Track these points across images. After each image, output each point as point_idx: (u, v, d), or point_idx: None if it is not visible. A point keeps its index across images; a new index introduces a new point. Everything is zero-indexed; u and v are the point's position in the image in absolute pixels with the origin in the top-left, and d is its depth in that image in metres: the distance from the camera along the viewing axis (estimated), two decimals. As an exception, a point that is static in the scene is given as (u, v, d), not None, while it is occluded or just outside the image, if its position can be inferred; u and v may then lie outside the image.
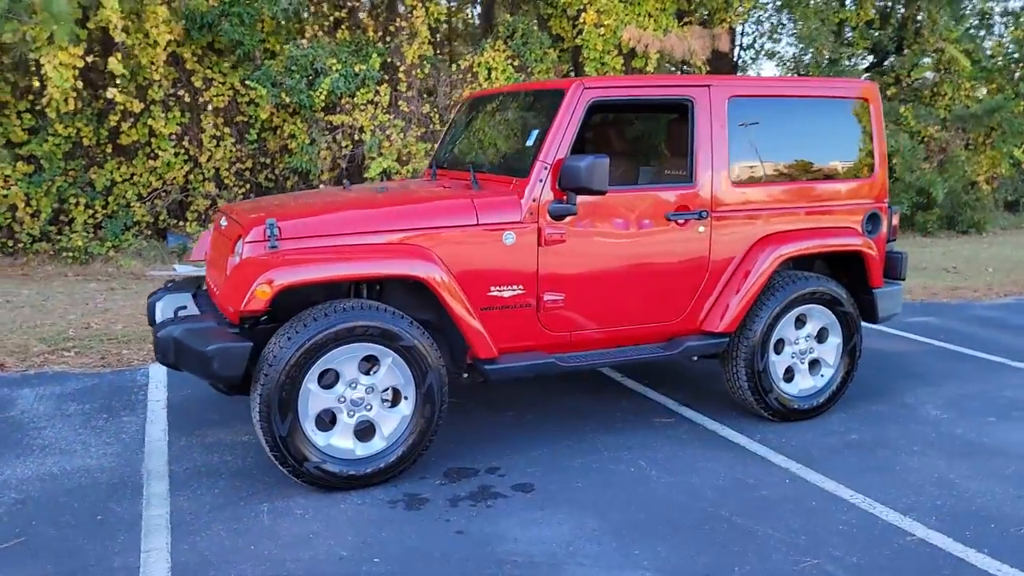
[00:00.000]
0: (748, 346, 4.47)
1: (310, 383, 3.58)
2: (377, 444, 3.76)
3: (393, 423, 3.77)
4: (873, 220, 4.81)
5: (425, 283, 3.75)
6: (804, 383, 4.71)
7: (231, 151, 10.21)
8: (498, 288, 3.98)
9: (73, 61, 8.80)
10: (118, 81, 9.54)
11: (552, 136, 4.06)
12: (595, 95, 4.14)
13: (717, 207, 4.37)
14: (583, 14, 10.92)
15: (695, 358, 4.63)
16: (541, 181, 4.02)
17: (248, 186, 10.45)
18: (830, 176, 4.71)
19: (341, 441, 3.70)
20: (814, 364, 4.75)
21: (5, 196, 9.54)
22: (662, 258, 4.29)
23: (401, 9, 10.71)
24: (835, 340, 4.72)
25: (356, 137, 10.15)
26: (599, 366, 4.27)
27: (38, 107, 9.46)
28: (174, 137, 9.96)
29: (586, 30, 10.91)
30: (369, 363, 3.73)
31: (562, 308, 4.11)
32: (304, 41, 10.16)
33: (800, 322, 4.66)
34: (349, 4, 10.56)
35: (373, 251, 3.73)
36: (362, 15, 10.77)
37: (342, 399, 3.68)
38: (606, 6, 10.83)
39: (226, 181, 10.25)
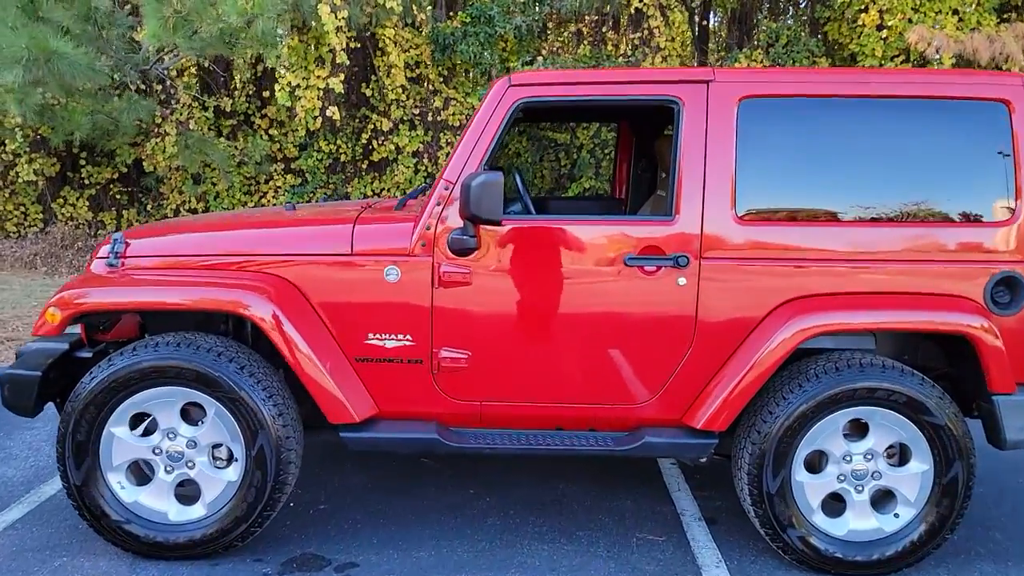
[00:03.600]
0: (753, 455, 2.94)
1: (115, 427, 2.96)
2: (197, 511, 3.03)
3: (217, 488, 3.01)
4: (1009, 288, 2.94)
5: (250, 321, 2.96)
6: (860, 522, 3.00)
7: (464, 168, 9.98)
8: (378, 335, 3.03)
9: (317, 83, 9.20)
10: (371, 101, 9.90)
11: (461, 148, 3.01)
12: (525, 94, 2.99)
13: (710, 251, 2.94)
14: (862, 15, 8.95)
15: (702, 460, 3.19)
16: (439, 204, 3.00)
17: (478, 203, 10.13)
18: (924, 216, 2.96)
19: (153, 500, 3.02)
20: (885, 496, 3.04)
21: (275, 204, 10.34)
22: (617, 317, 2.98)
23: (645, 22, 9.67)
24: (920, 466, 2.95)
25: (575, 155, 9.36)
26: (509, 452, 3.07)
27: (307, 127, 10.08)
28: (416, 154, 10.03)
29: (864, 33, 8.93)
30: (203, 411, 3.02)
31: (466, 370, 3.03)
32: (540, 57, 9.62)
33: (859, 431, 2.99)
34: (589, 18, 9.79)
35: (194, 279, 3.01)
36: (604, 29, 9.92)
37: (158, 450, 3.01)
38: (890, 4, 8.76)
39: (458, 198, 10.04)
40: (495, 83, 3.05)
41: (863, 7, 9.03)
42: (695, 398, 3.00)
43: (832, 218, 2.97)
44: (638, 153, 4.30)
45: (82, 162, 10.38)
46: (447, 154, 9.93)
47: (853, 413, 2.92)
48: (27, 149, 9.94)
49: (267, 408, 2.92)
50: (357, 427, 3.02)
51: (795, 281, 2.94)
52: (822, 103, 2.94)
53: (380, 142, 10.07)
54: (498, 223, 2.84)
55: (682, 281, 2.94)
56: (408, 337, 3.01)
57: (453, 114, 9.83)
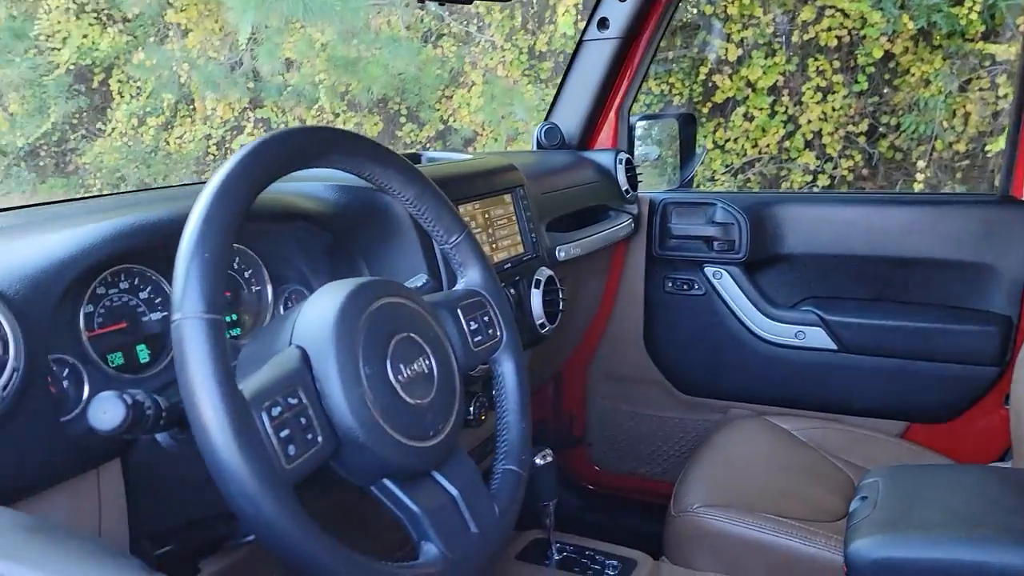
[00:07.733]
0: None
1: None
2: None
3: None
4: None
5: None
6: None
7: (840, 107, 6.57)
8: None
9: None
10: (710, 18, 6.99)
11: None
12: None
13: None
14: None
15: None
16: None
17: (861, 158, 6.63)
18: None
19: None
20: None
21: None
22: None
23: None
24: None
25: None
26: None
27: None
28: (773, 90, 6.88)
29: None
30: None
31: None
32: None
33: None
34: None
35: None
36: None
37: None
38: None
39: (829, 150, 6.68)
40: None
41: None
42: None
43: None
44: None
45: (402, 119, 9.07)
46: (817, 87, 6.60)
47: None
48: (344, 108, 8.88)
49: None
50: None
51: None
52: None
53: (726, 76, 7.08)
54: None
55: None
56: None
57: (829, 29, 6.46)
